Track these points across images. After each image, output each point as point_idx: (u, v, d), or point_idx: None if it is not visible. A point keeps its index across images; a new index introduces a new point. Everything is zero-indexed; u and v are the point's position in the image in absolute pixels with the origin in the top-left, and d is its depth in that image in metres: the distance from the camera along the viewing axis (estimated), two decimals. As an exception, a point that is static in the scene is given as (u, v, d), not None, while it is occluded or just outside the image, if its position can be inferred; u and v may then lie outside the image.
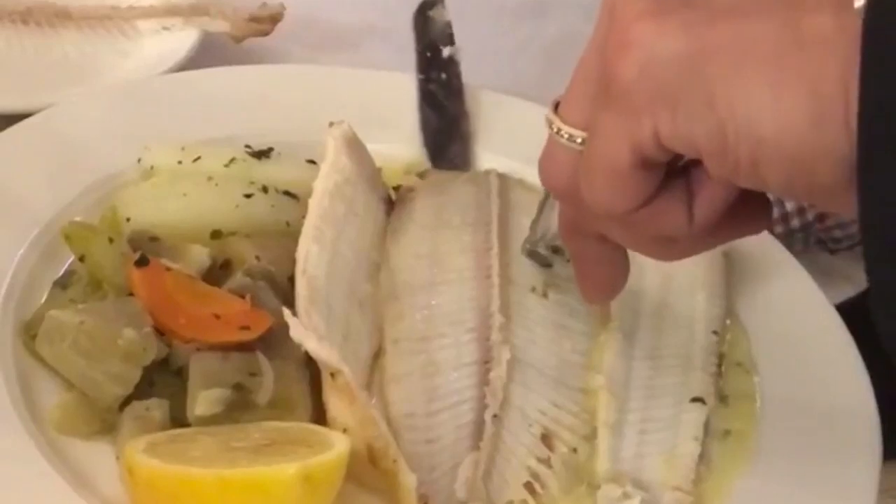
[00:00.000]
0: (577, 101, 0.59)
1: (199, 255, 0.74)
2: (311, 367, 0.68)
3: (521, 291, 0.76)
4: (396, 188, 0.85)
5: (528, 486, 0.67)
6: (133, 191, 0.79)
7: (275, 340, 0.69)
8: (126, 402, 0.67)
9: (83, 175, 0.81)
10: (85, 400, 0.67)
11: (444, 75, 0.94)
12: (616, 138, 0.55)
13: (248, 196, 0.79)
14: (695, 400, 0.73)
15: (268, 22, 1.01)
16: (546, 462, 0.68)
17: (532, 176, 0.63)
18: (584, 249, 0.66)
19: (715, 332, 0.77)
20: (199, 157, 0.81)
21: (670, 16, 0.53)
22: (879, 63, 0.47)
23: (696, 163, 0.55)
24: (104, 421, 0.67)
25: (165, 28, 1.02)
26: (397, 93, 0.93)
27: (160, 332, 0.68)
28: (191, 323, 0.69)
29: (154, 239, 0.74)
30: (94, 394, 0.67)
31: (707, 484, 0.70)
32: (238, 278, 0.72)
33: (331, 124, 0.80)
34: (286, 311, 0.66)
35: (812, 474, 0.70)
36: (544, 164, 0.61)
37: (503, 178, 0.84)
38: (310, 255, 0.72)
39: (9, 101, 0.90)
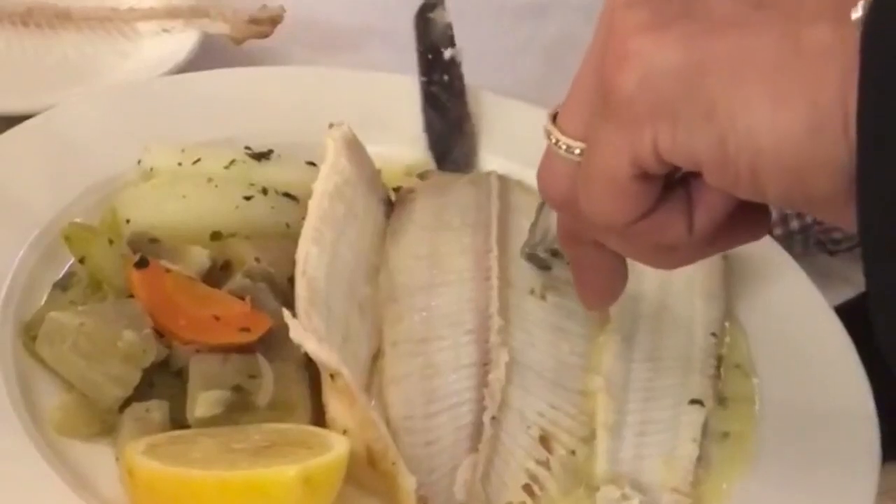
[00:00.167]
0: (575, 112, 0.59)
1: (199, 257, 0.74)
2: (310, 368, 0.68)
3: (519, 294, 0.76)
4: (397, 189, 0.85)
5: (527, 488, 0.67)
6: (133, 192, 0.79)
7: (274, 342, 0.69)
8: (126, 403, 0.67)
9: (83, 176, 0.81)
10: (85, 401, 0.67)
11: (446, 77, 0.94)
12: (615, 151, 0.55)
13: (247, 198, 0.79)
14: (693, 402, 0.73)
15: (268, 24, 1.01)
16: (544, 464, 0.68)
17: (532, 178, 0.63)
18: (583, 256, 0.66)
19: (714, 335, 0.78)
20: (199, 159, 0.82)
21: (669, 28, 0.53)
22: (878, 74, 0.47)
23: (695, 173, 0.55)
24: (104, 422, 0.67)
25: (165, 30, 1.02)
26: (397, 94, 0.93)
27: (160, 333, 0.68)
28: (191, 324, 0.69)
29: (154, 240, 0.74)
30: (95, 395, 0.67)
31: (706, 486, 0.70)
32: (238, 280, 0.72)
33: (330, 126, 0.80)
34: (286, 313, 0.66)
35: (811, 476, 0.70)
36: (542, 176, 0.61)
37: (503, 180, 0.84)
38: (309, 257, 0.72)
39: (9, 102, 0.90)
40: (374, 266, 0.77)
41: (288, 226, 0.78)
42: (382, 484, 0.65)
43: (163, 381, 0.68)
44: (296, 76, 0.94)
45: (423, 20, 0.96)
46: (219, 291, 0.72)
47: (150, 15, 1.03)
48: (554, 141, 0.59)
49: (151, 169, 0.82)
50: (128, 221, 0.77)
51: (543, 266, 0.77)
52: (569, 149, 0.59)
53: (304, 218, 0.75)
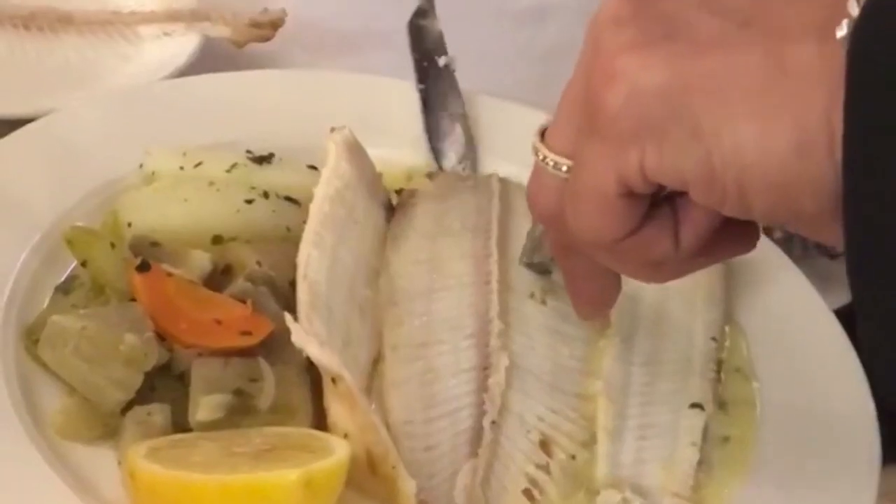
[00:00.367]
0: (562, 129, 0.59)
1: (201, 261, 0.74)
2: (311, 372, 0.68)
3: (519, 298, 0.76)
4: (399, 192, 0.85)
5: (527, 493, 0.67)
6: (135, 196, 0.80)
7: (276, 346, 0.69)
8: (128, 407, 0.67)
9: (85, 180, 0.81)
10: (87, 405, 0.67)
11: (441, 84, 0.94)
12: (601, 170, 0.55)
13: (249, 201, 0.79)
14: (694, 406, 0.73)
15: (269, 27, 1.01)
16: (544, 468, 0.69)
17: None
18: (576, 266, 0.66)
19: (714, 338, 0.78)
20: (200, 163, 0.82)
21: (654, 48, 0.53)
22: (864, 95, 0.47)
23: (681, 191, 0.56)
24: (106, 426, 0.67)
25: (167, 33, 1.02)
26: (398, 98, 0.93)
27: (162, 337, 0.68)
28: (192, 328, 0.69)
29: (155, 244, 0.74)
30: (96, 399, 0.67)
31: (706, 490, 0.70)
32: (239, 283, 0.72)
33: (332, 130, 0.80)
34: (288, 317, 0.66)
35: (811, 480, 0.70)
36: (531, 191, 0.62)
37: (505, 183, 0.85)
38: (311, 261, 0.72)
39: (11, 105, 0.89)
40: (375, 270, 0.77)
41: (289, 229, 0.78)
42: (383, 488, 0.65)
43: (164, 384, 0.68)
44: (297, 80, 0.94)
45: (415, 29, 0.96)
46: (220, 295, 0.72)
47: (151, 18, 1.03)
48: (542, 157, 0.60)
49: (153, 172, 0.82)
50: (129, 225, 0.77)
51: (543, 271, 0.78)
52: (556, 165, 0.59)
53: (305, 221, 0.75)
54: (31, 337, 0.71)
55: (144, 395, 0.67)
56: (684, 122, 0.52)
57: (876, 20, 0.48)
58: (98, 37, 1.03)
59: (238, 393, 0.66)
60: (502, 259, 0.77)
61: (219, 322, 0.69)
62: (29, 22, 1.02)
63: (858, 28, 0.48)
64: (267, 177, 0.82)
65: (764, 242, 0.82)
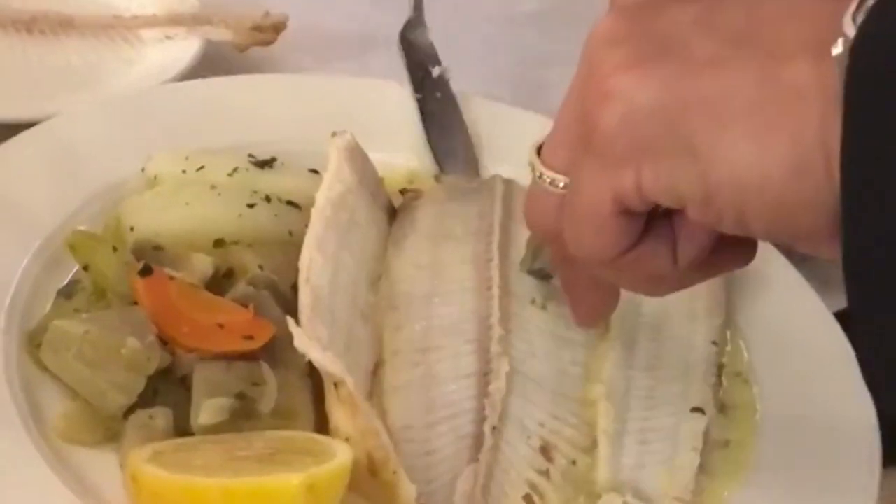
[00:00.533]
0: (558, 146, 0.59)
1: (203, 265, 0.74)
2: (313, 376, 0.68)
3: (520, 303, 0.76)
4: (402, 192, 0.85)
5: (528, 499, 0.67)
6: (137, 200, 0.80)
7: (278, 349, 0.69)
8: (130, 410, 0.67)
9: (87, 184, 0.81)
10: (89, 409, 0.67)
11: (438, 94, 0.94)
12: (598, 188, 0.55)
13: (251, 205, 0.79)
14: (694, 410, 0.73)
15: (271, 31, 1.01)
16: (545, 474, 0.68)
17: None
18: (575, 278, 0.66)
19: (714, 343, 0.78)
20: (202, 167, 0.82)
21: (650, 66, 0.53)
22: (861, 114, 0.47)
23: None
24: (108, 429, 0.67)
25: (168, 37, 1.02)
26: (400, 102, 0.93)
27: (164, 341, 0.68)
28: (194, 332, 0.69)
29: (158, 248, 0.74)
30: (99, 403, 0.67)
31: (707, 494, 0.70)
32: (241, 287, 0.72)
33: (333, 134, 0.80)
34: (290, 321, 0.66)
35: (812, 484, 0.70)
36: (528, 207, 0.62)
37: (508, 184, 0.85)
38: (313, 265, 0.72)
39: (12, 109, 0.90)
40: (377, 274, 0.77)
41: (291, 233, 0.78)
42: (383, 493, 0.64)
43: (167, 388, 0.68)
44: (299, 84, 0.94)
45: (406, 41, 0.97)
46: (222, 299, 0.72)
47: (153, 22, 1.03)
48: (538, 174, 0.60)
49: (155, 176, 0.82)
50: (132, 229, 0.77)
51: (544, 277, 0.77)
52: (553, 182, 0.59)
53: (307, 226, 0.75)
54: (34, 341, 0.71)
55: (146, 399, 0.67)
56: (680, 141, 0.52)
57: (873, 39, 0.48)
58: (100, 40, 1.03)
59: (240, 397, 0.66)
60: (503, 264, 0.77)
61: (221, 326, 0.70)
62: (31, 25, 1.02)
63: (855, 49, 0.48)
64: (269, 181, 0.82)
65: (764, 246, 0.82)
